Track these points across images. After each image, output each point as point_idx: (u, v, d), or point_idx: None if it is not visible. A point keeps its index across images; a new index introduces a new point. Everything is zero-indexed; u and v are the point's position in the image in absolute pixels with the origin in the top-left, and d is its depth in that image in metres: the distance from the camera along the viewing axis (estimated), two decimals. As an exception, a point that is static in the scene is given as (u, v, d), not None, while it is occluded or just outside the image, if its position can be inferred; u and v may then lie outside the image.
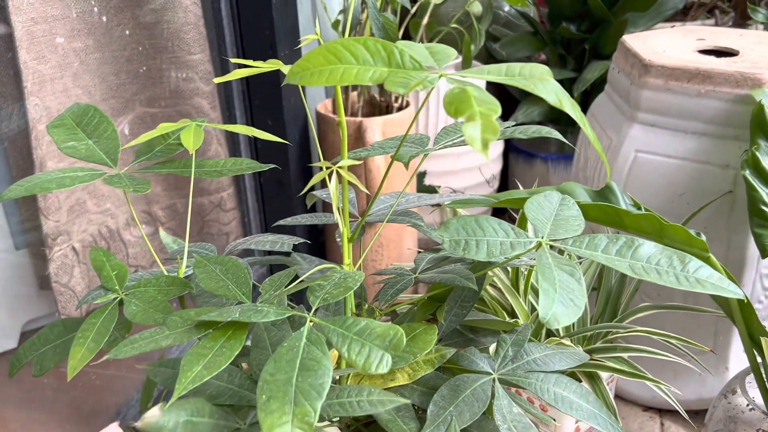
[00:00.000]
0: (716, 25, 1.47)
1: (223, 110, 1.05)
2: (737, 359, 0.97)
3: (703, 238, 0.71)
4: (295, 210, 1.13)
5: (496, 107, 0.38)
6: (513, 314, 0.86)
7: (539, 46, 1.39)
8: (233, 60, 0.51)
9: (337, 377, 0.56)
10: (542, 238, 0.54)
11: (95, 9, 0.95)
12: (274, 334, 0.47)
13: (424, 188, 1.32)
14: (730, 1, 1.61)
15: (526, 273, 0.86)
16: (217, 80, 0.47)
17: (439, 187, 1.35)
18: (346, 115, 1.16)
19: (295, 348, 0.42)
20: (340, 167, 0.47)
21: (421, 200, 0.70)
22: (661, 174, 0.94)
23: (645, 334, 0.77)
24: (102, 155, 0.62)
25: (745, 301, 0.73)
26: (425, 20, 1.17)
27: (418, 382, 0.57)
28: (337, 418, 0.55)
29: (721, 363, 0.98)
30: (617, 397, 1.07)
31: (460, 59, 1.36)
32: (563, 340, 0.79)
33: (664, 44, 1.02)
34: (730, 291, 0.51)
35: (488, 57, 1.50)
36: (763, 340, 0.72)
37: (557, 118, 1.40)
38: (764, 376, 0.75)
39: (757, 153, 0.81)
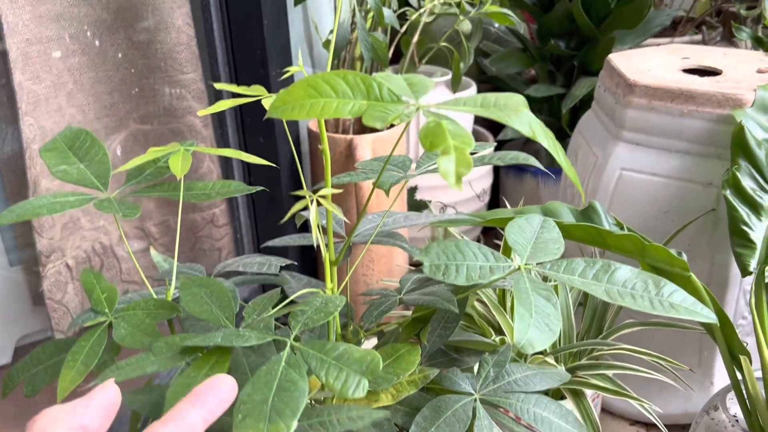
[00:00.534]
0: (704, 40, 1.49)
1: (215, 128, 1.06)
2: (722, 375, 0.99)
3: (684, 257, 0.72)
4: (287, 226, 1.15)
5: (469, 141, 0.40)
6: (500, 331, 0.88)
7: (529, 62, 1.41)
8: (219, 86, 0.52)
9: (322, 398, 0.57)
10: (521, 262, 0.55)
11: (89, 30, 0.97)
12: (253, 359, 0.49)
13: (415, 203, 1.33)
14: (718, 16, 1.63)
15: (512, 290, 0.88)
16: (202, 113, 0.48)
17: (430, 201, 1.36)
18: (336, 132, 1.18)
19: (273, 371, 0.43)
20: (321, 196, 0.48)
21: (408, 220, 0.71)
22: (645, 192, 0.95)
23: (629, 352, 0.79)
24: (93, 179, 0.63)
25: (725, 320, 0.74)
26: (415, 38, 1.19)
27: (401, 403, 0.59)
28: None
29: (706, 378, 0.99)
30: (604, 411, 1.08)
31: (449, 76, 1.38)
32: (548, 358, 0.81)
33: (648, 63, 1.03)
34: (703, 315, 0.52)
35: (479, 72, 1.52)
36: (742, 358, 0.74)
37: (547, 133, 1.41)
38: (744, 393, 0.76)
39: (737, 173, 0.82)
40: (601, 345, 0.82)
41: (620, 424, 1.06)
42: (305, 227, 1.24)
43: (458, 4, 1.16)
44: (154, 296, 0.61)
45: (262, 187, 0.66)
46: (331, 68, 1.20)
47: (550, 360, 0.80)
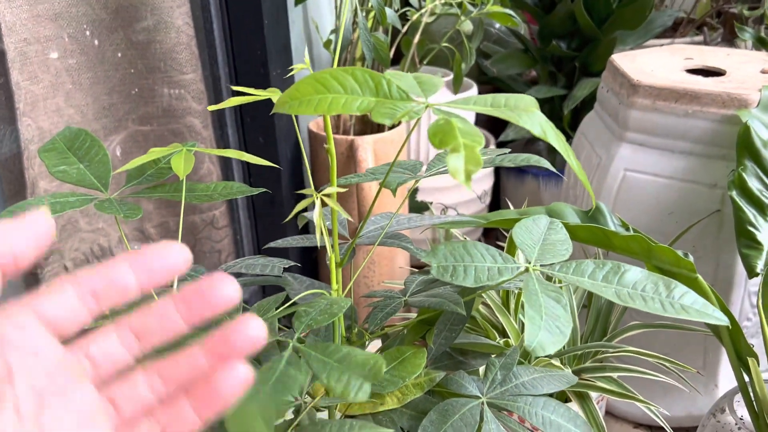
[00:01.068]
0: (705, 41, 1.48)
1: (215, 129, 1.05)
2: (726, 377, 0.98)
3: (691, 259, 0.71)
4: (287, 228, 1.14)
5: (479, 139, 0.39)
6: (504, 333, 0.87)
7: (530, 63, 1.40)
8: (236, 88, 0.52)
9: (327, 405, 0.56)
10: (530, 263, 0.54)
11: (87, 29, 0.96)
12: (254, 362, 0.48)
13: (415, 204, 1.32)
14: (719, 17, 1.62)
15: (516, 292, 0.87)
16: (211, 108, 0.47)
17: (431, 203, 1.35)
18: (337, 132, 1.17)
19: (273, 368, 0.42)
20: (326, 195, 0.47)
21: (411, 222, 0.70)
22: (649, 193, 0.95)
23: (636, 355, 0.78)
24: (93, 180, 0.62)
25: (733, 321, 0.73)
26: (416, 38, 1.18)
27: (407, 406, 0.58)
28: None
29: (711, 380, 0.99)
30: (608, 413, 1.07)
31: (450, 77, 1.37)
32: (553, 361, 0.80)
33: (652, 63, 1.03)
34: (715, 317, 0.51)
35: (479, 73, 1.51)
36: (750, 360, 0.73)
37: (548, 134, 1.41)
38: (752, 395, 0.75)
39: (743, 174, 0.82)
40: (606, 347, 0.81)
41: (624, 427, 1.05)
42: (306, 228, 1.24)
43: (460, 5, 1.15)
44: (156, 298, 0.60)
45: (264, 189, 0.65)
46: (332, 69, 1.19)
47: (556, 362, 0.79)
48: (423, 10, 1.14)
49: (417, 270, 0.99)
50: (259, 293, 1.18)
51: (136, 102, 1.02)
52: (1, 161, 0.92)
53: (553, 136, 0.46)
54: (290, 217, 0.49)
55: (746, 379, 0.75)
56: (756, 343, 0.96)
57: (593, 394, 0.81)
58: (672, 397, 1.00)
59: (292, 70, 0.55)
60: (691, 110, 0.91)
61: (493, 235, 1.56)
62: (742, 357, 0.74)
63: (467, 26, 1.15)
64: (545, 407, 0.57)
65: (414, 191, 1.33)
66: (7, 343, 0.28)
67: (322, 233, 0.49)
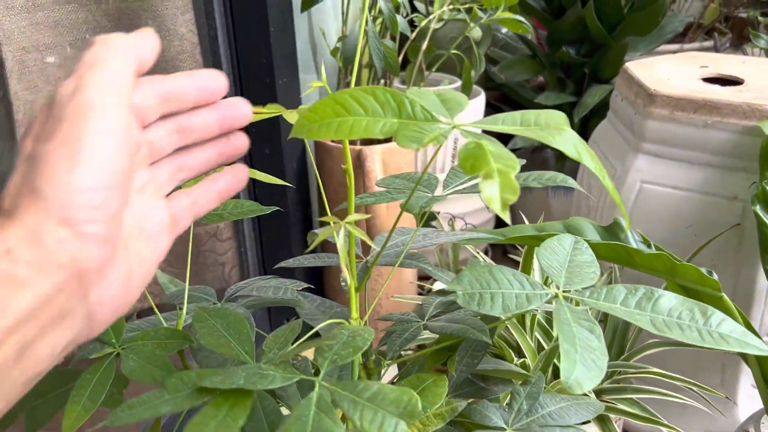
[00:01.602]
0: (715, 47, 1.46)
1: (219, 139, 1.02)
2: (746, 394, 0.95)
3: (715, 277, 0.69)
4: (292, 239, 1.11)
5: (514, 164, 0.36)
6: (519, 350, 0.84)
7: (538, 69, 1.38)
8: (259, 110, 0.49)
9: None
10: (558, 288, 0.52)
11: (88, 37, 0.93)
12: (268, 402, 0.45)
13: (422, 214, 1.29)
14: (727, 22, 1.60)
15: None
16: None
17: (438, 213, 1.33)
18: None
19: (303, 418, 0.39)
20: (351, 222, 0.44)
21: (426, 239, 0.68)
22: (667, 205, 0.92)
23: (656, 376, 0.75)
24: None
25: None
26: (424, 45, 1.15)
27: (428, 438, 0.55)
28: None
29: (730, 398, 0.96)
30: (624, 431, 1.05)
31: (458, 83, 1.34)
32: (572, 381, 0.77)
33: (667, 72, 1.00)
34: (755, 347, 0.49)
35: (486, 80, 1.49)
36: (778, 382, 0.70)
37: (556, 141, 1.38)
38: (779, 418, 0.73)
39: (767, 187, 0.79)
40: (625, 367, 0.79)
41: (639, 445, 1.03)
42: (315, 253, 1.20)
43: (468, 10, 1.13)
44: (164, 324, 0.58)
45: (276, 208, 0.63)
46: (338, 77, 1.16)
47: (575, 384, 0.76)
48: (431, 17, 1.11)
49: (426, 285, 0.96)
50: (266, 313, 1.16)
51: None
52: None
53: (588, 157, 0.43)
54: (309, 250, 0.46)
55: (773, 401, 0.73)
56: (776, 359, 0.93)
57: (612, 416, 0.78)
58: (690, 415, 0.98)
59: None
60: (711, 121, 0.88)
61: (501, 246, 1.54)
62: (768, 378, 0.72)
63: (476, 33, 1.12)
64: (574, 439, 0.54)
65: (430, 215, 1.30)
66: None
67: (344, 258, 0.47)
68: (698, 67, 1.03)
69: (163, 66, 0.96)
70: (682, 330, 0.49)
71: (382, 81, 1.23)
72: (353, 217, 0.44)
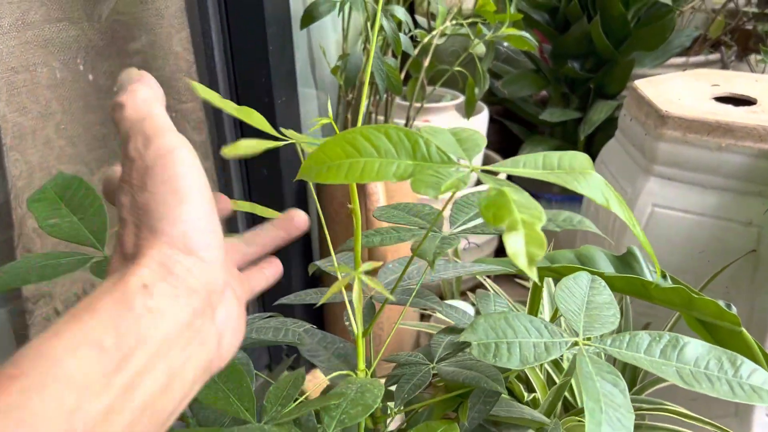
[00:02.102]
0: (722, 60, 1.43)
1: (216, 160, 0.99)
2: (760, 424, 0.92)
3: (734, 310, 0.66)
4: (291, 261, 1.08)
5: (540, 214, 0.33)
6: (528, 383, 0.81)
7: (542, 84, 1.35)
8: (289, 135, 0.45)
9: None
10: (578, 335, 0.49)
11: (80, 56, 0.89)
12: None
13: (424, 233, 1.26)
14: (733, 35, 1.58)
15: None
16: (227, 156, 0.42)
17: (440, 231, 1.29)
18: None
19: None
20: (368, 272, 0.41)
21: (437, 273, 0.65)
22: (679, 230, 0.89)
23: (673, 415, 0.72)
24: (88, 235, 0.56)
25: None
26: (426, 61, 1.12)
27: (439, 492, 0.52)
28: None
29: (745, 428, 0.93)
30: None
31: (460, 99, 1.32)
32: (581, 417, 0.74)
33: (678, 91, 0.97)
34: (791, 401, 0.46)
35: (489, 94, 1.46)
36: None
37: (560, 157, 1.35)
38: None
39: (785, 214, 0.76)
40: (639, 402, 0.76)
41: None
42: (315, 278, 1.16)
43: (472, 24, 1.10)
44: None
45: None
46: (338, 94, 1.13)
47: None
48: (434, 33, 1.08)
49: (430, 317, 0.92)
50: (264, 351, 1.12)
51: (132, 132, 0.96)
52: (-14, 200, 0.85)
53: (616, 203, 0.40)
54: (322, 301, 0.43)
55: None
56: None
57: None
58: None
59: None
60: (725, 144, 0.85)
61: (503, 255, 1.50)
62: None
63: (480, 49, 1.09)
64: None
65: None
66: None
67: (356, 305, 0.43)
68: (709, 86, 1.00)
69: (157, 85, 0.93)
70: (712, 383, 0.46)
71: (385, 96, 1.20)
72: (365, 266, 0.41)
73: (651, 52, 1.25)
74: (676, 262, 0.90)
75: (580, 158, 0.42)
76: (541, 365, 0.80)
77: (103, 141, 0.94)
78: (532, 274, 0.31)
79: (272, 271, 0.47)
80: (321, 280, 1.18)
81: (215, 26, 0.92)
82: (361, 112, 0.48)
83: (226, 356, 0.36)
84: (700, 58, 1.46)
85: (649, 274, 0.73)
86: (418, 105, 1.17)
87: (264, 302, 1.10)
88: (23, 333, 0.92)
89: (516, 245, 0.32)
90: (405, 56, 1.14)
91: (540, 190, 1.40)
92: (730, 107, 0.91)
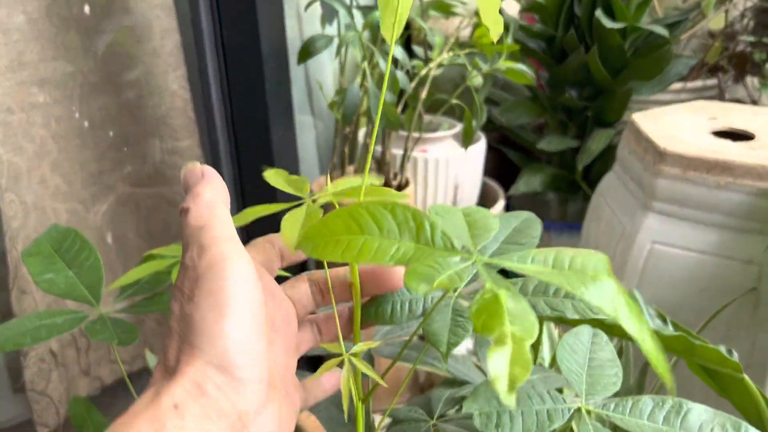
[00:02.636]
0: (719, 86, 1.43)
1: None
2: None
3: (736, 357, 0.65)
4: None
5: (532, 329, 0.29)
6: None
7: (539, 112, 1.34)
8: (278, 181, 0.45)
9: None
10: (579, 398, 0.48)
11: (75, 94, 0.89)
12: None
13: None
14: (730, 60, 1.58)
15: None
16: (237, 222, 0.40)
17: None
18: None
19: None
20: (355, 354, 0.41)
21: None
22: (679, 267, 0.89)
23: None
24: (83, 290, 0.56)
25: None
26: (424, 93, 1.12)
27: None
28: None
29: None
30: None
31: (457, 128, 1.31)
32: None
33: (676, 125, 0.97)
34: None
35: (487, 121, 1.45)
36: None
37: (558, 186, 1.35)
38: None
39: (786, 255, 0.76)
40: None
41: None
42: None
43: (469, 55, 1.09)
44: None
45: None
46: (336, 127, 1.12)
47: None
48: (431, 65, 1.08)
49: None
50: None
51: (128, 170, 0.95)
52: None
53: (626, 315, 0.36)
54: (313, 378, 0.42)
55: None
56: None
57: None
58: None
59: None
60: (724, 182, 0.85)
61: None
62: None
63: (477, 81, 1.09)
64: None
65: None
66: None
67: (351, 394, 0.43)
68: (707, 119, 1.00)
69: (153, 123, 0.92)
70: (717, 452, 0.46)
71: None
72: (359, 347, 0.40)
73: (648, 82, 1.25)
74: (676, 300, 0.89)
75: (595, 260, 0.38)
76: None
77: (99, 178, 0.93)
78: (510, 399, 0.28)
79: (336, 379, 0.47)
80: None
81: (212, 64, 0.91)
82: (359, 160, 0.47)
83: None
84: (698, 83, 1.46)
85: (650, 319, 0.73)
86: (416, 135, 1.17)
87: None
88: (17, 374, 0.91)
89: (499, 365, 0.28)
90: (403, 89, 1.13)
91: (537, 215, 1.39)
92: (728, 143, 0.91)
